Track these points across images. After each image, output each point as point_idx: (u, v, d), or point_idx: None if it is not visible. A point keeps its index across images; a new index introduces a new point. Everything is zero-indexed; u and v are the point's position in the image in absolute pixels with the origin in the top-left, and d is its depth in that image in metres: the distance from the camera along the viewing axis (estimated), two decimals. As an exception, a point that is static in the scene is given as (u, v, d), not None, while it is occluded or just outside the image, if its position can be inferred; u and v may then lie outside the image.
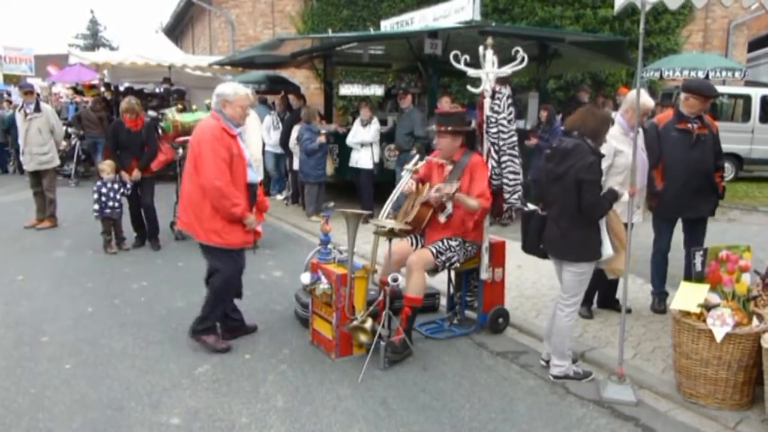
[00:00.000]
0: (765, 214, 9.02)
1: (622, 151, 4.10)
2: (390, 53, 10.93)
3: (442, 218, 4.11)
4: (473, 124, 4.47)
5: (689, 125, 4.36)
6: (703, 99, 4.34)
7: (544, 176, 3.62)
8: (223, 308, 4.10)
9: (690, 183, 4.36)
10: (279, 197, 10.10)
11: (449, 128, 4.08)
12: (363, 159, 8.29)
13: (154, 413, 3.23)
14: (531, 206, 3.82)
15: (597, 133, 3.50)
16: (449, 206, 4.06)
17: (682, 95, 4.45)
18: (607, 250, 3.51)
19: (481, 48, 4.18)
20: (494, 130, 4.16)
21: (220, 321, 4.17)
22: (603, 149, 3.66)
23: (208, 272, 4.11)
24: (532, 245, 3.77)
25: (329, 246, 4.16)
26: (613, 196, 3.49)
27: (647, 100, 4.19)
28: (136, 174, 6.58)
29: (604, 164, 3.80)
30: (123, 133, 6.60)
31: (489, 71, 4.16)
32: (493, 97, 4.16)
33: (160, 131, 7.21)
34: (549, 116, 8.20)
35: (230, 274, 4.01)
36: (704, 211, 4.52)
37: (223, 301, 4.07)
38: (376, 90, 12.25)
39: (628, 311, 4.41)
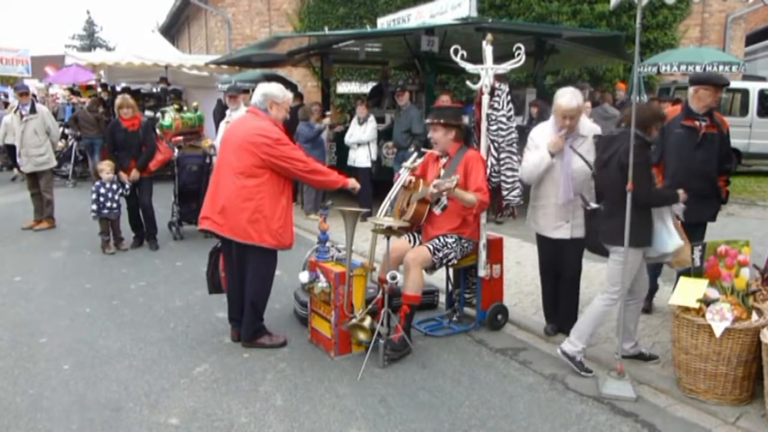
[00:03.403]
0: (763, 209, 9.03)
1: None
2: (387, 51, 10.91)
3: (437, 210, 4.10)
4: (467, 120, 4.47)
5: (697, 122, 4.03)
6: (714, 89, 4.05)
7: (594, 165, 3.69)
8: (264, 307, 4.09)
9: (691, 185, 3.83)
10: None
11: (441, 120, 4.10)
12: (360, 158, 8.29)
13: (153, 413, 3.22)
14: (594, 205, 3.76)
15: (647, 123, 3.51)
16: (444, 198, 4.06)
17: (691, 90, 4.12)
18: (676, 240, 3.49)
19: (484, 43, 4.17)
20: (494, 127, 4.15)
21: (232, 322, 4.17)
22: (534, 158, 3.88)
23: (234, 275, 4.05)
24: (594, 243, 3.74)
25: (327, 244, 4.15)
26: (672, 195, 3.51)
27: (564, 103, 3.78)
28: (135, 174, 6.57)
29: (539, 170, 3.89)
30: (120, 133, 6.58)
31: (488, 67, 4.15)
32: (492, 94, 4.15)
33: (157, 131, 7.19)
34: (540, 112, 8.19)
35: (271, 274, 4.04)
36: (705, 216, 4.21)
37: (264, 301, 4.07)
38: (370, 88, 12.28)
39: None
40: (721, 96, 12.40)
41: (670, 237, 3.50)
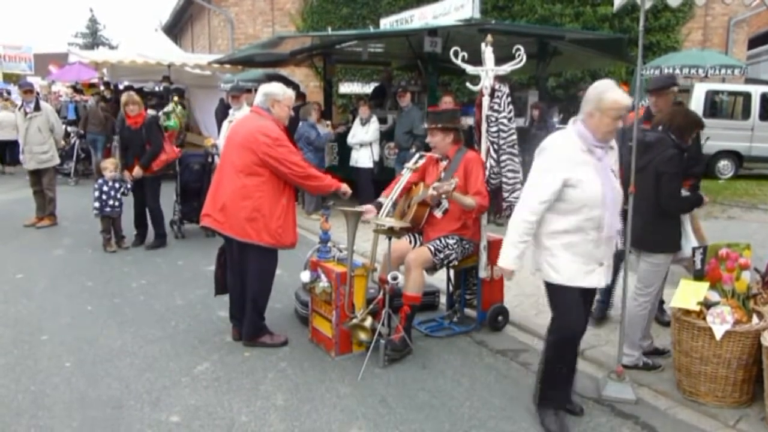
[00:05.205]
0: (765, 212, 9.01)
1: (581, 181, 2.82)
2: (389, 51, 10.92)
3: (438, 213, 4.11)
4: (471, 122, 4.47)
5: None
6: (648, 93, 4.18)
7: (626, 169, 3.62)
8: (265, 305, 4.10)
9: None
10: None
11: (438, 125, 4.11)
12: (362, 158, 8.31)
13: (154, 411, 3.23)
14: None
15: (683, 130, 3.55)
16: (445, 201, 4.06)
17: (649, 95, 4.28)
18: (694, 245, 3.55)
19: (483, 44, 4.18)
20: (494, 129, 4.16)
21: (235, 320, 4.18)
22: (542, 176, 2.87)
23: (235, 274, 4.07)
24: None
25: (329, 244, 4.16)
26: (698, 199, 3.53)
27: (620, 98, 2.83)
28: (137, 172, 6.57)
29: (544, 198, 2.86)
30: (125, 131, 6.63)
31: (488, 69, 4.16)
32: (492, 95, 4.15)
33: (163, 131, 7.20)
34: (541, 114, 8.21)
35: (271, 273, 4.05)
36: None
37: (265, 299, 4.09)
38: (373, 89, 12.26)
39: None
40: (723, 99, 12.51)
41: (687, 242, 3.58)
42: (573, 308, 2.94)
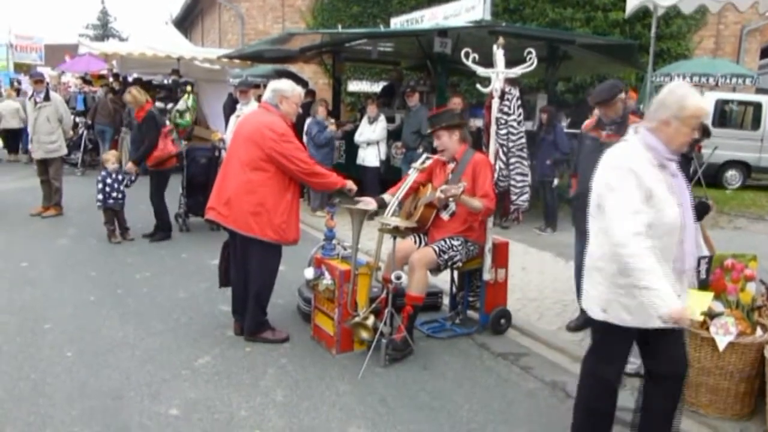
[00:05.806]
0: (772, 223, 8.97)
1: (661, 201, 2.40)
2: (399, 51, 10.91)
3: (445, 216, 4.10)
4: (480, 124, 4.46)
5: (601, 132, 4.10)
6: (596, 105, 4.15)
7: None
8: (267, 301, 4.11)
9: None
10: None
11: (442, 124, 4.09)
12: (369, 157, 8.31)
13: (153, 403, 3.24)
14: None
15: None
16: (452, 204, 4.06)
17: None
18: (702, 252, 3.53)
19: (494, 47, 4.17)
20: (504, 131, 4.16)
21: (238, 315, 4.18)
22: (631, 201, 2.37)
23: (238, 269, 4.07)
24: None
25: (333, 242, 4.16)
26: (703, 207, 3.50)
27: (703, 104, 2.47)
28: (129, 166, 6.60)
29: (642, 229, 2.35)
30: (134, 123, 6.68)
31: (499, 71, 4.14)
32: (502, 98, 4.13)
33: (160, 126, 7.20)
34: (549, 118, 8.18)
35: (274, 269, 4.05)
36: None
37: (267, 295, 4.09)
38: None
39: None
40: (733, 108, 12.45)
41: (696, 251, 3.55)
42: (623, 353, 2.60)
